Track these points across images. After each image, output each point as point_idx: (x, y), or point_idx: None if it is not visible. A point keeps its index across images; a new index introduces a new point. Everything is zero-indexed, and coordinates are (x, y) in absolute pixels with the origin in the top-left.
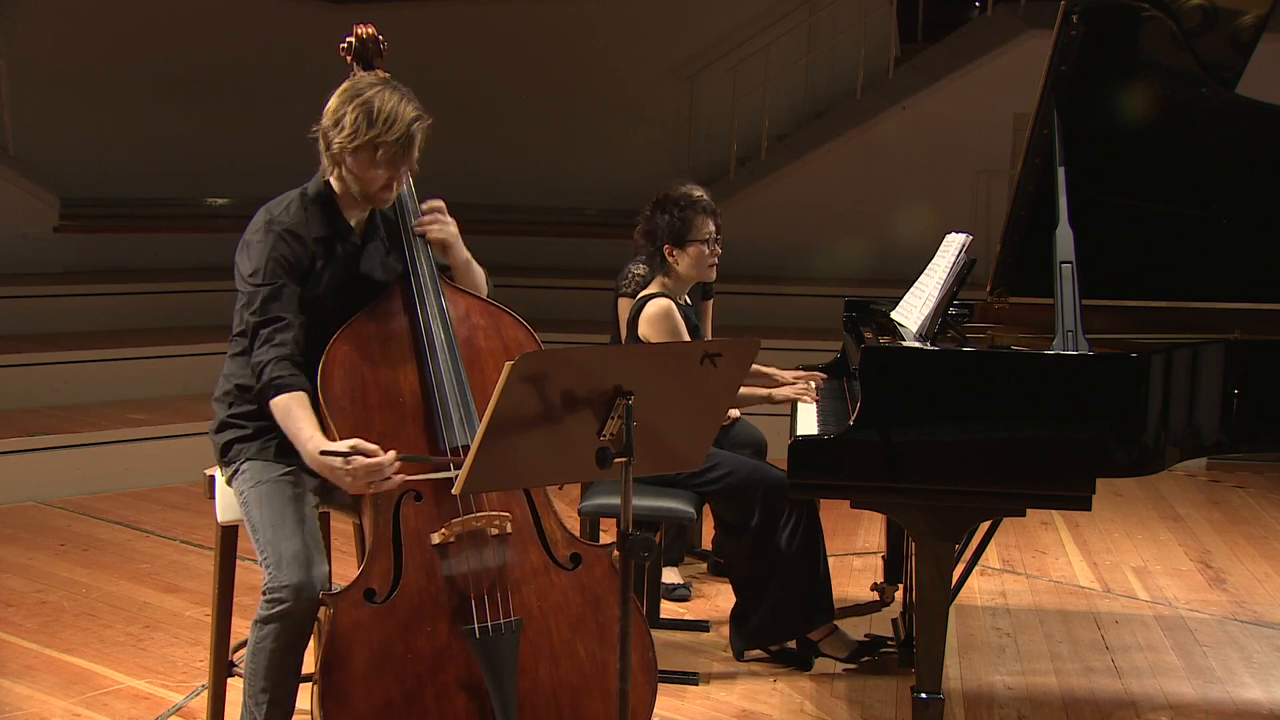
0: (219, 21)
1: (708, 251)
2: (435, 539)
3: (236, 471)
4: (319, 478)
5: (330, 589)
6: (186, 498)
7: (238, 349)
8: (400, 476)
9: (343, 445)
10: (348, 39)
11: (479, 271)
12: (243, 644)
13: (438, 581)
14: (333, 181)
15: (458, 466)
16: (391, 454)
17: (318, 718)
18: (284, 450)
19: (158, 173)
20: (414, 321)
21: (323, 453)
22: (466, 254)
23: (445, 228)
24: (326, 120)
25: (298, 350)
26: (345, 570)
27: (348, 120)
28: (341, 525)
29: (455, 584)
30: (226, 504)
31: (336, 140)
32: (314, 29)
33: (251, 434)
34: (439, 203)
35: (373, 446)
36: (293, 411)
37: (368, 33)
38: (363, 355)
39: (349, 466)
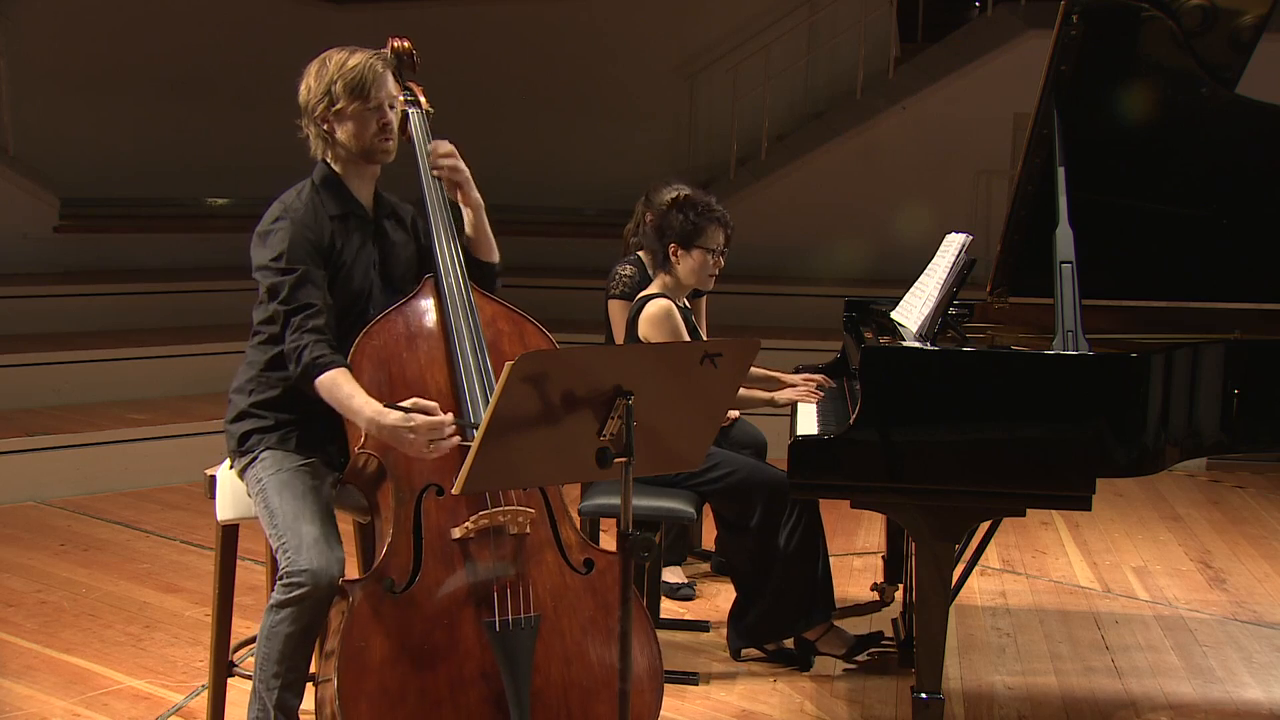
0: (219, 21)
1: (711, 261)
2: (456, 533)
3: (255, 459)
4: (336, 473)
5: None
6: (186, 498)
7: (263, 337)
8: (456, 439)
9: (404, 403)
10: (382, 52)
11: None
12: (243, 644)
13: (456, 575)
14: (332, 163)
15: None
16: (450, 415)
17: (326, 715)
18: (304, 443)
19: (158, 173)
20: (443, 320)
21: (388, 405)
22: (479, 198)
23: (459, 169)
24: (301, 96)
25: (331, 334)
26: (346, 570)
27: (313, 79)
28: (342, 525)
29: (475, 578)
30: (227, 503)
31: (314, 104)
32: (314, 29)
33: (273, 425)
34: (448, 145)
35: (432, 404)
36: (341, 385)
37: (403, 47)
38: (391, 351)
39: (411, 424)
